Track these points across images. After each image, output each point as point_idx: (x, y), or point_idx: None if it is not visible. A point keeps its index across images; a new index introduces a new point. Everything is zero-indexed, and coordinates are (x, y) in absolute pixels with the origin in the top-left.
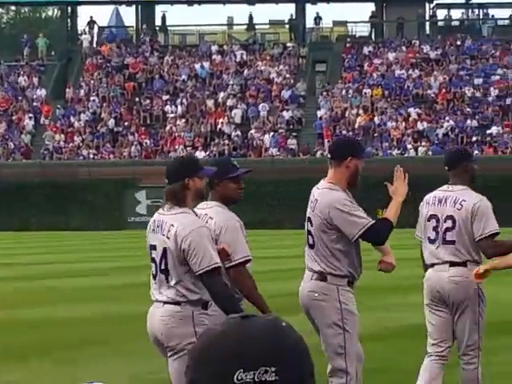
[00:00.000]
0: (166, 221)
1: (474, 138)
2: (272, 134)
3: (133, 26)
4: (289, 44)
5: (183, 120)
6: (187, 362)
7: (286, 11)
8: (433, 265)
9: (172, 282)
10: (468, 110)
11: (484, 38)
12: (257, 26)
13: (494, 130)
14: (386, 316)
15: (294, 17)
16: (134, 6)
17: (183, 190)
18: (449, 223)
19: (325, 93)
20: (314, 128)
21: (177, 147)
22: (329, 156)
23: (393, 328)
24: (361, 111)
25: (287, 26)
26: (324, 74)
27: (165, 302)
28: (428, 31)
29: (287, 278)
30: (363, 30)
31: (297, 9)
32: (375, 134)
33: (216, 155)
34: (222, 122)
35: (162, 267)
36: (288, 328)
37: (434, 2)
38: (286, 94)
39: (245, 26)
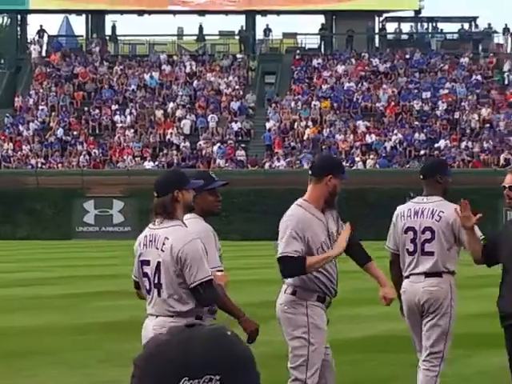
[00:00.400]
0: (160, 234)
1: (422, 152)
2: (219, 145)
3: (83, 36)
4: (238, 55)
5: (132, 130)
6: (132, 370)
7: (236, 23)
8: (409, 276)
9: (164, 296)
10: (416, 123)
11: (433, 52)
12: (207, 37)
13: (441, 143)
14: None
15: (244, 28)
16: (84, 15)
17: (173, 203)
18: (427, 235)
19: (274, 104)
20: (262, 139)
21: (125, 157)
22: (309, 172)
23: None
24: (310, 123)
25: (237, 38)
26: (273, 85)
27: (157, 316)
28: (377, 44)
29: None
30: (313, 42)
31: (247, 20)
32: (323, 147)
33: (165, 166)
34: (170, 133)
35: (156, 281)
36: (233, 337)
37: (384, 16)
38: (235, 105)
39: (195, 37)
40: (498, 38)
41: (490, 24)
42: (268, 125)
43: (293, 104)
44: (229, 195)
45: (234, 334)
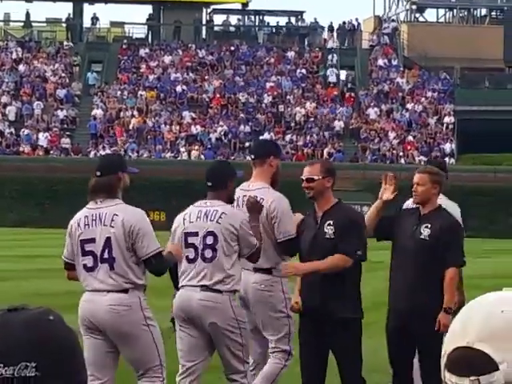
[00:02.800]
0: (106, 212)
1: (247, 144)
2: (45, 132)
3: None
4: (65, 43)
5: None
6: None
7: (64, 10)
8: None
9: (118, 269)
10: (242, 115)
11: (259, 45)
12: (34, 24)
13: (266, 136)
14: None
15: (71, 16)
16: None
17: (117, 183)
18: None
19: (100, 93)
20: (88, 128)
21: None
22: (252, 157)
23: None
24: (135, 113)
25: (64, 25)
26: (100, 74)
27: (109, 291)
28: (204, 36)
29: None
30: (140, 31)
31: (74, 8)
32: (149, 137)
33: None
34: None
35: (105, 256)
36: (56, 322)
37: (211, 7)
38: (61, 92)
39: (21, 23)
40: (324, 33)
41: (316, 19)
42: (94, 113)
43: (119, 93)
44: (51, 182)
45: (58, 318)
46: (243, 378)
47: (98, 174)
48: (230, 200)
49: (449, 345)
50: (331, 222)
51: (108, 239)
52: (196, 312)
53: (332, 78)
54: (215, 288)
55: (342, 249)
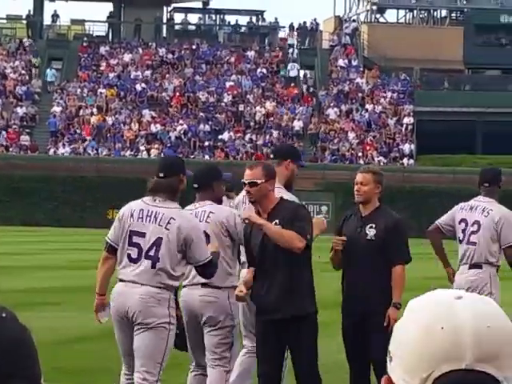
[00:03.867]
0: (163, 213)
1: (207, 143)
2: (4, 130)
3: None
4: (25, 40)
5: None
6: None
7: (24, 7)
8: None
9: (159, 269)
10: (201, 114)
11: (220, 44)
12: None
13: (225, 135)
14: None
15: (31, 13)
16: None
17: (178, 185)
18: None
19: (60, 91)
20: (47, 126)
21: None
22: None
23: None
24: (95, 110)
25: (24, 22)
26: (60, 71)
27: (143, 284)
28: (165, 34)
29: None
30: (101, 29)
31: (35, 5)
32: (108, 135)
33: None
34: None
35: (151, 253)
36: (8, 319)
37: (172, 6)
38: (20, 90)
39: None
40: (284, 33)
41: (276, 18)
42: (53, 111)
43: (79, 91)
44: (11, 180)
45: (10, 316)
46: (226, 363)
47: (161, 175)
48: (218, 201)
49: (430, 368)
50: (277, 221)
51: (159, 239)
52: (198, 308)
53: (292, 78)
54: (215, 284)
55: (296, 231)
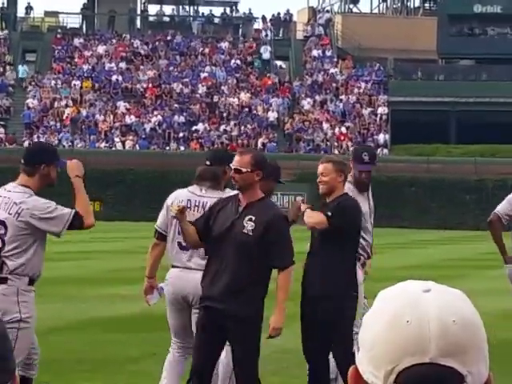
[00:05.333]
0: (209, 202)
1: (181, 134)
2: None
3: None
4: None
5: None
6: None
7: None
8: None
9: (202, 253)
10: (176, 105)
11: (194, 35)
12: None
13: (200, 126)
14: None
15: (5, 5)
16: None
17: (223, 175)
18: None
19: (34, 83)
20: (22, 118)
21: None
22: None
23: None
24: (70, 102)
25: None
26: (34, 63)
27: (199, 270)
28: (139, 26)
29: None
30: (74, 21)
31: None
32: (83, 127)
33: None
34: None
35: None
36: None
37: None
38: None
39: None
40: (258, 24)
41: (250, 9)
42: (28, 103)
43: (53, 83)
44: None
45: None
46: None
47: (208, 163)
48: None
49: (394, 361)
50: (252, 218)
51: None
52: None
53: (266, 69)
54: None
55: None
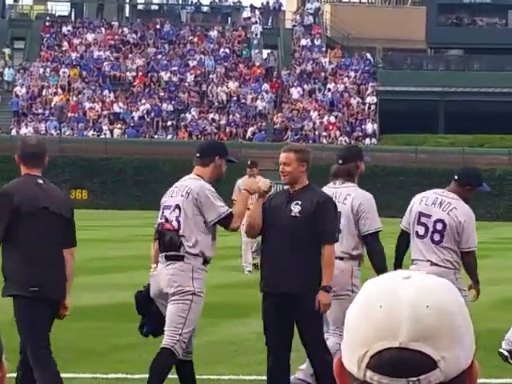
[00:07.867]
0: (342, 191)
1: (170, 123)
2: None
3: None
4: None
5: None
6: None
7: None
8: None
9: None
10: (164, 94)
11: (182, 24)
12: None
13: (189, 115)
14: None
15: None
16: None
17: (355, 170)
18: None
19: (22, 70)
20: (10, 105)
21: None
22: (340, 161)
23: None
24: (58, 90)
25: None
26: (22, 51)
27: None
28: (128, 14)
29: None
30: (63, 9)
31: None
32: (71, 114)
33: None
34: None
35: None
36: None
37: None
38: None
39: None
40: (247, 13)
41: None
42: (16, 91)
43: (41, 71)
44: None
45: None
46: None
47: (340, 162)
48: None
49: (366, 346)
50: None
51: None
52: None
53: (255, 58)
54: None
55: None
